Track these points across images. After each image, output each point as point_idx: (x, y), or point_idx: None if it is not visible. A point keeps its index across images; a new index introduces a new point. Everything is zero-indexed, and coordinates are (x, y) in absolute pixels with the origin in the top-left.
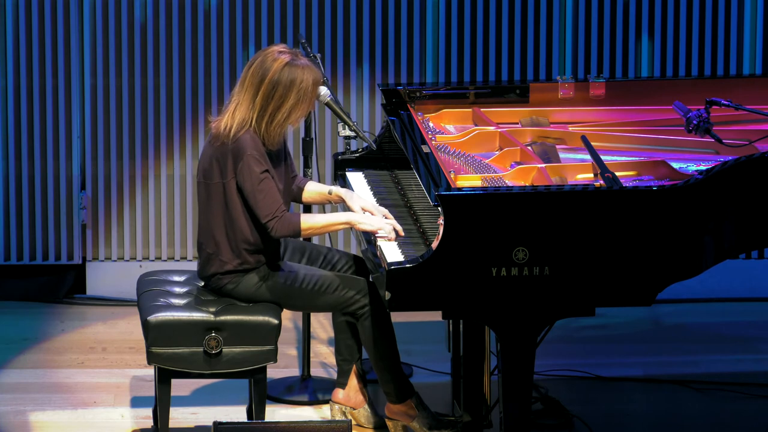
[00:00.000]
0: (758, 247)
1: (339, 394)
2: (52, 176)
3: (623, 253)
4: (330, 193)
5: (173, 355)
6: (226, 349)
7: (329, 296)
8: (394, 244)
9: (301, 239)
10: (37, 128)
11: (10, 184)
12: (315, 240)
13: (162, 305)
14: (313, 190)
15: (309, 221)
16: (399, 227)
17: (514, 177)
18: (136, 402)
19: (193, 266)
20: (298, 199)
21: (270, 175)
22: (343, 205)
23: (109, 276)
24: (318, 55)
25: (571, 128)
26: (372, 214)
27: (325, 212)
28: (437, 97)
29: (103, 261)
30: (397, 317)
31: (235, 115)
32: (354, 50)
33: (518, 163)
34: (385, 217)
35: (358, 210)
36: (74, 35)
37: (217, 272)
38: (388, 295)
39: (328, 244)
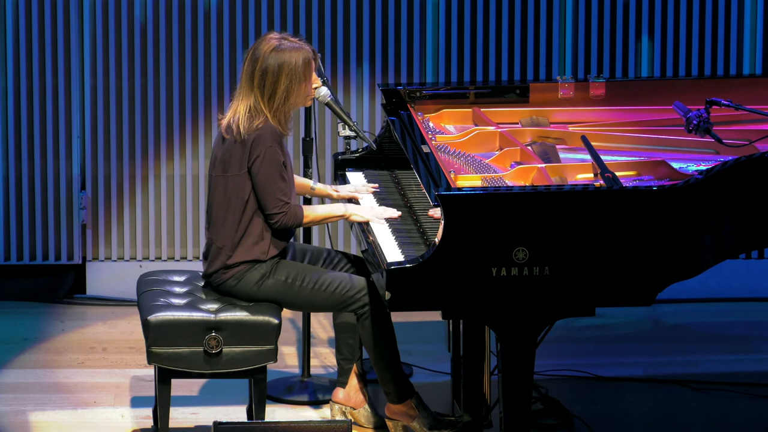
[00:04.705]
0: (758, 247)
1: (339, 393)
2: (52, 176)
3: (623, 253)
4: (313, 189)
5: (173, 355)
6: (226, 349)
7: (330, 295)
8: (395, 244)
9: (301, 240)
10: (37, 128)
11: (10, 184)
12: (315, 241)
13: (162, 305)
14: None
15: (311, 215)
16: (392, 212)
17: (514, 177)
18: (136, 402)
19: (193, 266)
20: None
21: (285, 167)
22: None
23: (109, 276)
24: (318, 55)
25: (571, 128)
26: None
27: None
28: (437, 97)
29: (103, 261)
30: (397, 317)
31: (238, 108)
32: (354, 50)
33: (518, 163)
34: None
35: (344, 192)
36: (74, 35)
37: (223, 266)
38: (388, 295)
39: (328, 244)
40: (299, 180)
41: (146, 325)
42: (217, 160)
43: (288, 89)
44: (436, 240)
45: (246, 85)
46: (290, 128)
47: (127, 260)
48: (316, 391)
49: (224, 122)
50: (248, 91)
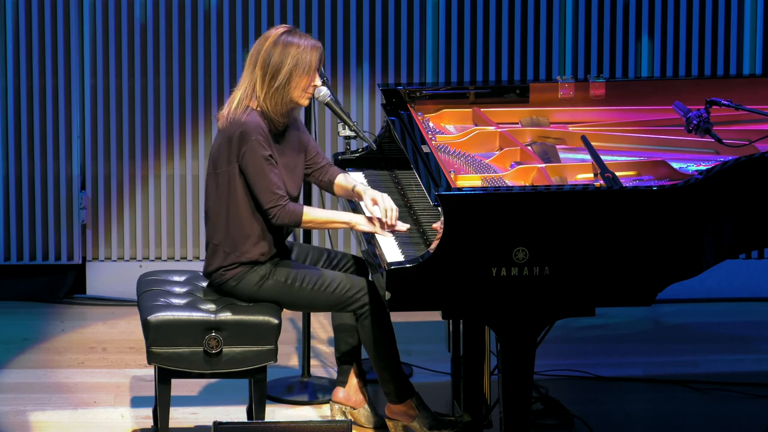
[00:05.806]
0: (758, 247)
1: (339, 393)
2: (52, 176)
3: (623, 253)
4: (353, 189)
5: (173, 355)
6: (226, 349)
7: (329, 296)
8: (395, 244)
9: (301, 241)
10: (37, 128)
11: (10, 184)
12: (315, 241)
13: (162, 305)
14: (340, 184)
15: (311, 215)
16: (400, 224)
17: (514, 177)
18: (136, 402)
19: (193, 266)
20: (330, 190)
21: (273, 160)
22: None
23: (109, 276)
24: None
25: (571, 128)
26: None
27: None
28: (437, 97)
29: (103, 261)
30: (397, 317)
31: (236, 94)
32: (354, 50)
33: (518, 163)
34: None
35: (367, 201)
36: (74, 35)
37: (221, 266)
38: (388, 295)
39: (328, 244)
40: (343, 182)
41: (146, 325)
42: (210, 157)
43: (291, 72)
44: (436, 240)
45: (248, 67)
46: (284, 121)
47: (127, 260)
48: (316, 391)
49: (223, 113)
50: (249, 72)
